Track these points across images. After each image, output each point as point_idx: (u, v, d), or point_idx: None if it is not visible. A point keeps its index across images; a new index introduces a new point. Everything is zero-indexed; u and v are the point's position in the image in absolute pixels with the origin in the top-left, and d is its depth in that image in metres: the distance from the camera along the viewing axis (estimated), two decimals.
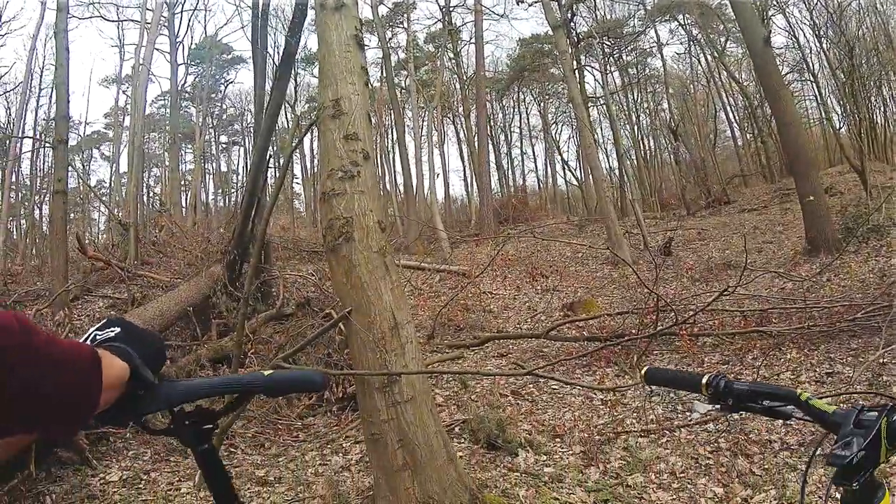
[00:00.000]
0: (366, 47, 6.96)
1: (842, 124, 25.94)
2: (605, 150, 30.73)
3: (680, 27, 29.08)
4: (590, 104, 25.63)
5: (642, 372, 1.40)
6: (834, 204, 14.72)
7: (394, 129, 27.39)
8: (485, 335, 8.97)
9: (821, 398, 1.15)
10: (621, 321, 7.91)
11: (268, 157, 8.77)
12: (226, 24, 50.01)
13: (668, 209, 23.74)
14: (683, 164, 25.69)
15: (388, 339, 3.37)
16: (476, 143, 24.61)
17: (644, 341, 6.71)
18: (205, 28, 30.46)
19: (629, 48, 29.45)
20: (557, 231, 19.91)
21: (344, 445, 4.99)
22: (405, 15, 26.29)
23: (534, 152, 38.41)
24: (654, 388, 1.70)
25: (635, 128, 31.10)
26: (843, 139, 21.82)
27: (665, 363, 6.59)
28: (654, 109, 31.87)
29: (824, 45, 25.46)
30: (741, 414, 3.57)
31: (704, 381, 1.23)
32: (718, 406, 1.22)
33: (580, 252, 15.34)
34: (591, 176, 23.02)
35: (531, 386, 6.26)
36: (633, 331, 7.09)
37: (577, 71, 23.94)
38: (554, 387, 6.07)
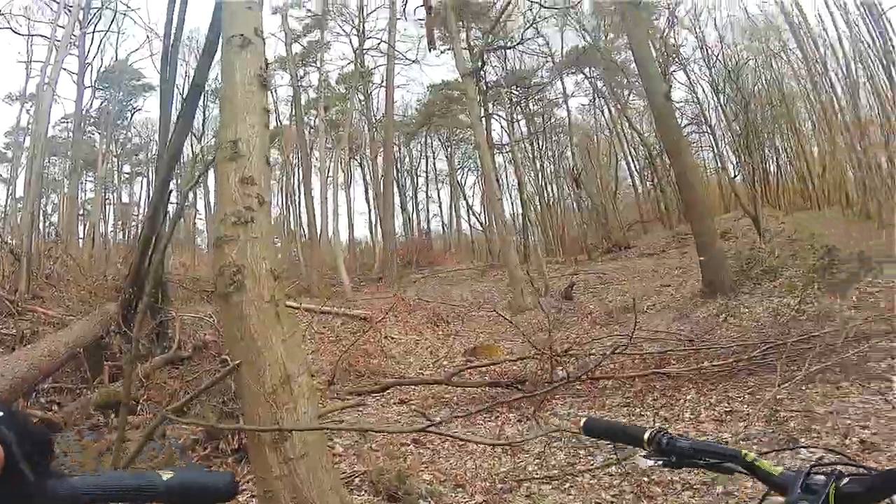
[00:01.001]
0: (272, 86, 6.84)
1: (737, 173, 27.96)
2: (510, 195, 31.43)
3: (586, 80, 30.54)
4: (496, 151, 26.32)
5: (581, 423, 1.42)
6: (729, 248, 15.60)
7: (300, 169, 27.01)
8: (386, 381, 8.84)
9: (763, 454, 1.15)
10: (523, 366, 7.98)
11: (169, 191, 8.43)
12: (138, 49, 47.66)
13: (570, 254, 24.48)
14: (585, 210, 26.67)
15: (279, 393, 3.21)
16: (382, 186, 24.65)
17: (545, 387, 6.77)
18: (116, 51, 28.78)
19: (536, 98, 30.53)
20: (460, 276, 20.07)
21: (240, 500, 4.70)
22: (319, 54, 26.19)
23: (439, 197, 38.61)
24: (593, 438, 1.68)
25: (539, 175, 32.04)
26: (738, 187, 23.44)
27: (567, 407, 6.62)
28: (558, 157, 32.82)
29: (721, 100, 27.25)
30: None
31: (647, 436, 1.23)
32: (661, 462, 1.21)
33: (482, 297, 15.50)
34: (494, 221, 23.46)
35: (432, 434, 6.17)
36: (535, 375, 7.17)
37: (484, 118, 24.61)
38: (456, 431, 5.99)
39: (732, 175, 26.00)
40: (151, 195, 10.64)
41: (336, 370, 9.06)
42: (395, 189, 32.27)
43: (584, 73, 29.87)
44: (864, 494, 0.95)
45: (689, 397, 6.22)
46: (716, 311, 10.39)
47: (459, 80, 18.59)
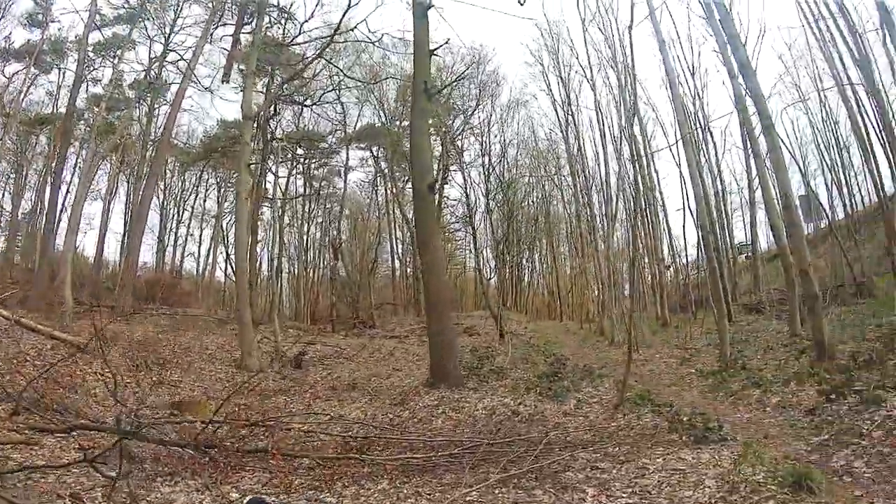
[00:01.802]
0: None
1: (491, 276, 30.40)
2: (270, 251, 30.78)
3: (372, 157, 31.61)
4: (268, 204, 25.85)
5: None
6: (469, 343, 16.64)
7: (54, 164, 24.01)
8: (73, 422, 7.95)
9: None
10: (214, 430, 7.46)
11: None
12: None
13: (317, 324, 24.51)
14: (338, 282, 26.98)
15: None
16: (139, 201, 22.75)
17: (235, 455, 6.56)
18: None
19: (320, 162, 30.94)
20: (199, 322, 19.05)
21: None
22: (120, 51, 23.82)
23: (201, 237, 36.06)
24: None
25: (304, 238, 32.01)
26: (489, 289, 25.42)
27: (254, 482, 6.26)
28: (327, 225, 32.92)
29: (490, 206, 28.85)
30: None
31: None
32: None
33: (210, 349, 14.82)
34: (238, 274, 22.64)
35: (99, 490, 5.66)
36: (231, 442, 6.90)
37: (258, 167, 24.25)
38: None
39: (487, 277, 28.15)
40: None
41: (20, 398, 7.91)
42: (159, 217, 30.22)
43: (371, 151, 31.03)
44: None
45: (380, 487, 6.04)
46: (437, 402, 10.63)
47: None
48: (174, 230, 34.02)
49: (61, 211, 23.14)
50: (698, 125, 23.18)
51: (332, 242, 27.51)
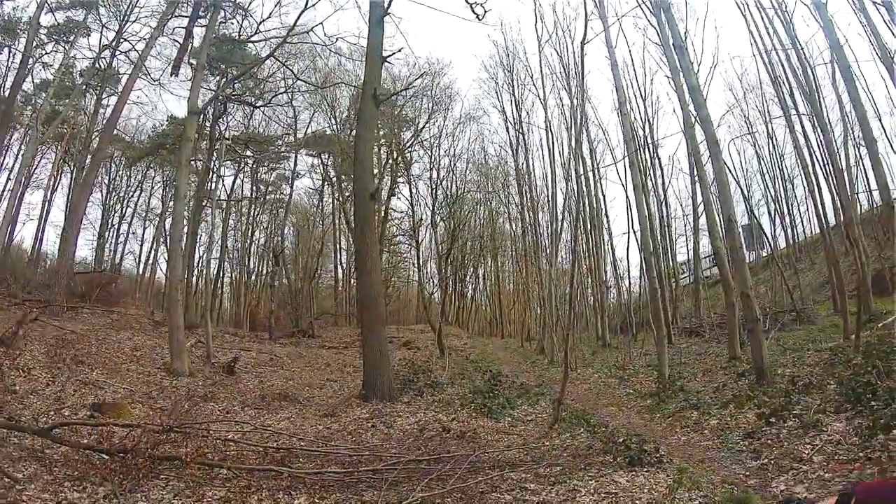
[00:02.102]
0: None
1: (435, 290, 30.38)
2: (208, 253, 30.00)
3: (322, 165, 31.36)
4: (208, 205, 25.23)
5: None
6: (408, 357, 16.51)
7: None
8: None
9: None
10: (130, 432, 7.14)
11: None
12: None
13: (255, 330, 24.16)
14: (278, 289, 26.64)
15: None
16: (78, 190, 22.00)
17: (149, 461, 6.37)
18: None
19: (269, 166, 30.56)
20: (134, 322, 18.52)
21: None
22: (73, 36, 23.14)
23: (144, 235, 35.13)
24: None
25: (248, 242, 31.55)
26: (431, 303, 25.40)
27: (166, 492, 5.99)
28: (272, 230, 32.54)
29: (436, 220, 29.49)
30: None
31: None
32: None
33: (141, 351, 14.40)
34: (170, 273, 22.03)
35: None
36: (146, 447, 6.67)
37: (207, 168, 23.84)
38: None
39: (431, 291, 28.18)
40: None
41: None
42: (101, 212, 29.38)
43: (320, 158, 30.82)
44: None
45: (297, 502, 5.87)
46: (368, 416, 10.50)
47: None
48: (116, 227, 33.18)
49: None
50: (647, 150, 23.83)
51: (273, 248, 27.11)
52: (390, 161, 29.84)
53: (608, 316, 24.41)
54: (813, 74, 16.84)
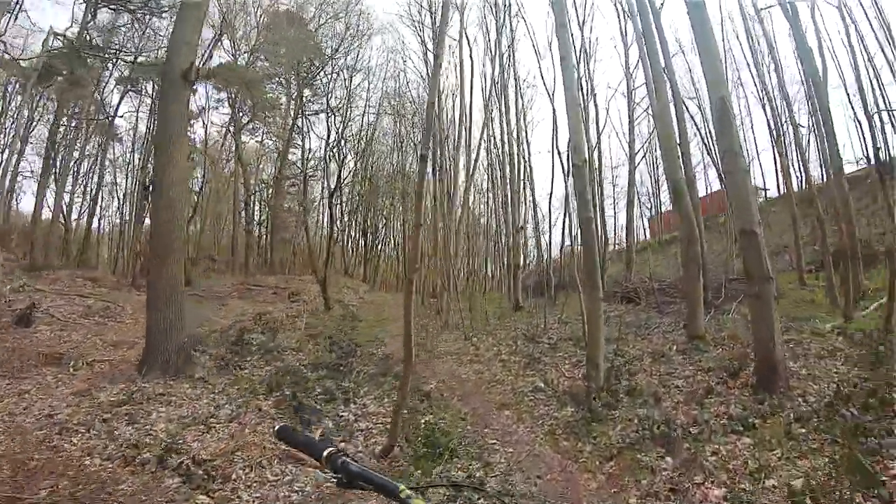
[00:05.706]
0: None
1: (338, 237, 27.30)
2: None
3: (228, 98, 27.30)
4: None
5: (275, 428, 1.64)
6: (274, 311, 14.15)
7: None
8: None
9: (417, 490, 1.32)
10: None
11: None
12: None
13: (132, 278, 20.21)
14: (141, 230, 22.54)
15: None
16: None
17: None
18: None
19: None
20: None
21: None
22: None
23: None
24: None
25: (129, 175, 27.49)
26: (319, 249, 22.17)
27: None
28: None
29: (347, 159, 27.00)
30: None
31: (325, 454, 1.44)
32: (334, 479, 1.40)
33: None
34: None
35: None
36: None
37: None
38: None
39: (310, 235, 25.17)
40: None
41: None
42: None
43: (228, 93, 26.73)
44: None
45: None
46: (125, 398, 7.52)
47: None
48: None
49: None
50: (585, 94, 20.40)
51: (144, 181, 23.21)
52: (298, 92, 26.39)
53: (522, 272, 21.32)
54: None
